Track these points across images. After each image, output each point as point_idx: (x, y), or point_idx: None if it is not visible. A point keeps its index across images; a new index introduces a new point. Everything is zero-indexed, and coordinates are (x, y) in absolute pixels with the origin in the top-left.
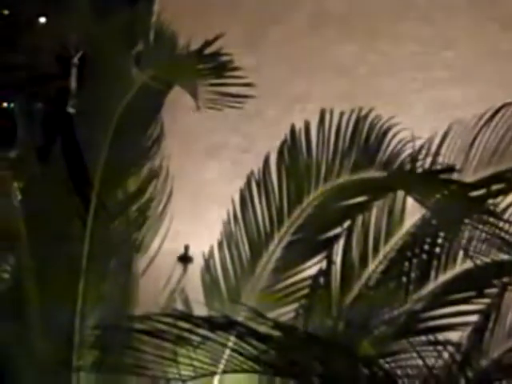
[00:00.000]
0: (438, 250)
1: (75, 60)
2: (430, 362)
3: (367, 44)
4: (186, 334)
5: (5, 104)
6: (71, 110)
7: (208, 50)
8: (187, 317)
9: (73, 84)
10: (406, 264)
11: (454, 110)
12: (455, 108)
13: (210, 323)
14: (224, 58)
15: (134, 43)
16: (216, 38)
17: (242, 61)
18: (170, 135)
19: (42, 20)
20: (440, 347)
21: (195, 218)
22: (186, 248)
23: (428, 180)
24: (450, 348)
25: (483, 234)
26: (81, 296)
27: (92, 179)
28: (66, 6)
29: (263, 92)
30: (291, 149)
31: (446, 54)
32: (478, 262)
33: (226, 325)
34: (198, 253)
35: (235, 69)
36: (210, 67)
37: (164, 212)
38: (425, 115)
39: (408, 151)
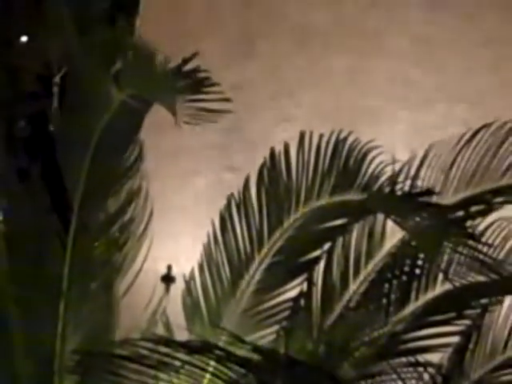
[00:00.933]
0: (417, 271)
1: (57, 79)
2: (411, 383)
3: (352, 61)
4: (166, 359)
5: None
6: (52, 130)
7: (187, 67)
8: (167, 341)
9: (54, 103)
10: (387, 285)
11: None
12: (435, 128)
13: (188, 347)
14: (202, 75)
15: (112, 61)
16: (194, 55)
17: (225, 77)
18: (150, 155)
19: (24, 39)
20: (421, 369)
21: (176, 239)
22: (169, 268)
23: (407, 202)
24: (431, 369)
25: (462, 257)
26: (61, 319)
27: (72, 200)
28: (48, 25)
29: (245, 110)
30: (271, 171)
31: (432, 73)
32: (458, 284)
33: (205, 349)
34: (179, 274)
35: (213, 84)
36: (187, 84)
37: (145, 233)
38: (406, 135)
39: (387, 174)
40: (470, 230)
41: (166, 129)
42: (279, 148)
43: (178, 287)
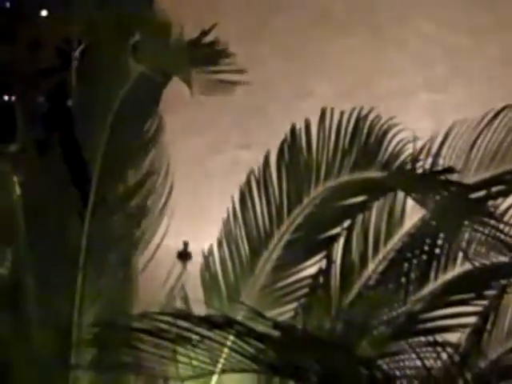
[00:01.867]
0: (437, 251)
1: (76, 53)
2: (429, 363)
3: (370, 42)
4: (184, 333)
5: (5, 97)
6: (70, 104)
7: (204, 40)
8: (186, 315)
9: (73, 78)
10: (406, 265)
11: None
12: (456, 108)
13: (208, 322)
14: (219, 47)
15: (130, 34)
16: (212, 28)
17: (241, 53)
18: (169, 129)
19: (44, 13)
20: (439, 348)
21: (195, 214)
22: (186, 244)
23: (428, 181)
24: (449, 349)
25: (483, 236)
26: (79, 292)
27: (90, 173)
28: None
29: (264, 87)
30: (291, 147)
31: (449, 54)
32: (477, 264)
33: (225, 324)
34: (198, 250)
35: (229, 56)
36: (203, 55)
37: (164, 208)
38: (426, 115)
39: (408, 151)
40: (491, 210)
41: (187, 102)
42: (300, 124)
43: (197, 262)
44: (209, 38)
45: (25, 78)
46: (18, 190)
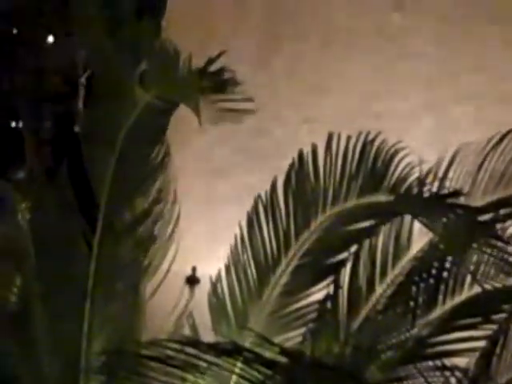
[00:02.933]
0: (445, 274)
1: (82, 80)
2: None
3: (376, 61)
4: (193, 360)
5: (13, 124)
6: (78, 131)
7: (212, 68)
8: (194, 342)
9: (80, 104)
10: (414, 289)
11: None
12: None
13: (216, 349)
14: (227, 75)
15: (138, 62)
16: (218, 55)
17: (251, 78)
18: (177, 156)
19: (50, 39)
20: (447, 373)
21: (202, 240)
22: (194, 269)
23: (435, 204)
24: (458, 373)
25: (491, 259)
26: (87, 318)
27: (98, 200)
28: (75, 26)
29: (271, 110)
30: (298, 173)
31: (452, 71)
32: (486, 286)
33: (233, 350)
34: (206, 275)
35: (237, 84)
36: (211, 84)
37: (172, 234)
38: (433, 137)
39: (415, 175)
40: (498, 233)
41: (194, 128)
42: (306, 149)
43: (204, 289)
44: (216, 66)
45: (32, 105)
46: (26, 217)
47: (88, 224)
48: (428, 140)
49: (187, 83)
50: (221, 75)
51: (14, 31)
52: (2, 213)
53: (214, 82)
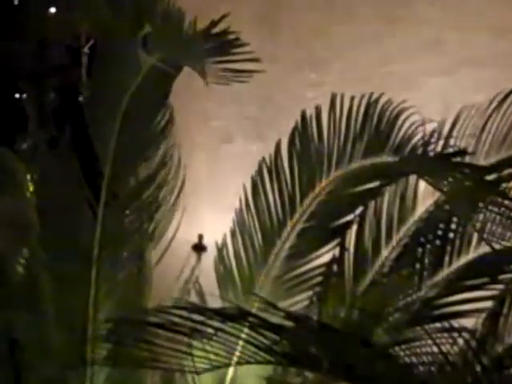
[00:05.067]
0: (451, 235)
1: (85, 49)
2: (445, 348)
3: (380, 28)
4: (199, 327)
5: (16, 95)
6: (81, 100)
7: (216, 29)
8: (200, 309)
9: (83, 73)
10: (420, 250)
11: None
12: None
13: (222, 315)
14: (231, 36)
15: (141, 26)
16: (222, 17)
17: (253, 44)
18: (179, 121)
19: (52, 10)
20: (455, 334)
21: (208, 206)
22: (200, 237)
23: (440, 163)
24: (465, 334)
25: (497, 218)
26: (93, 287)
27: (102, 167)
28: None
29: (275, 78)
30: (302, 135)
31: (457, 36)
32: (493, 244)
33: (239, 316)
34: (211, 241)
35: (242, 45)
36: (216, 45)
37: (177, 200)
38: (436, 99)
39: (420, 135)
40: (505, 191)
41: (198, 94)
42: (310, 112)
43: (210, 256)
44: (220, 28)
45: (34, 76)
46: (31, 188)
47: (92, 192)
48: (432, 101)
49: (192, 45)
50: (225, 37)
51: (15, 2)
52: (7, 184)
53: (219, 44)
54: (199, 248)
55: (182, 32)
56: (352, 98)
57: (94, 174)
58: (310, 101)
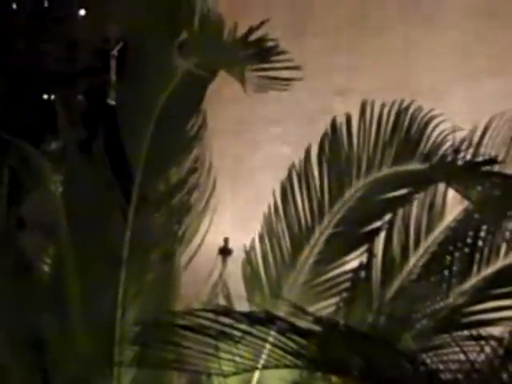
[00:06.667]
0: (480, 243)
1: (114, 52)
2: (472, 356)
3: (408, 32)
4: (227, 329)
5: (45, 96)
6: (111, 102)
7: (253, 36)
8: (228, 312)
9: (112, 76)
10: (448, 258)
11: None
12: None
13: (250, 318)
14: (270, 43)
15: (178, 32)
16: (261, 24)
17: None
18: (212, 126)
19: (82, 12)
20: (482, 342)
21: (236, 210)
22: (226, 240)
23: (470, 172)
24: (492, 342)
25: None
26: (122, 288)
27: (134, 171)
28: None
29: (305, 82)
30: (332, 141)
31: (487, 43)
32: None
33: (267, 320)
34: (239, 246)
35: (281, 53)
36: (256, 52)
37: (207, 204)
38: (466, 107)
39: (449, 143)
40: None
41: (229, 100)
42: (340, 119)
43: (238, 260)
44: (257, 35)
45: (64, 78)
46: (59, 188)
47: (123, 194)
48: (462, 111)
49: (231, 51)
50: (263, 43)
51: (46, 4)
52: (36, 184)
53: (259, 51)
54: (225, 251)
55: (221, 38)
56: (382, 106)
57: (126, 177)
58: (339, 105)
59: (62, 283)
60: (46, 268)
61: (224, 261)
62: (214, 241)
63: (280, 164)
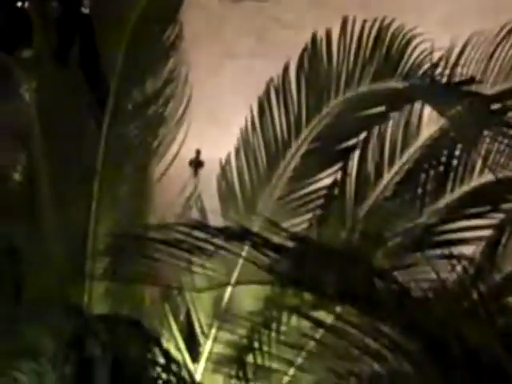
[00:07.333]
0: (454, 162)
1: None
2: (443, 275)
3: None
4: (201, 244)
5: (19, 3)
6: (86, 11)
7: None
8: (202, 226)
9: None
10: (422, 176)
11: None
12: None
13: (224, 233)
14: None
15: None
16: None
17: None
18: (187, 37)
19: None
20: (453, 261)
21: (212, 124)
22: (198, 153)
23: (448, 91)
24: (464, 262)
25: (502, 147)
26: (95, 200)
27: (109, 80)
28: None
29: None
30: (312, 57)
31: None
32: (497, 173)
33: (241, 235)
34: (213, 159)
35: None
36: None
37: (182, 117)
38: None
39: (428, 62)
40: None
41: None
42: (320, 33)
43: (213, 174)
44: None
45: None
46: (33, 96)
47: (97, 103)
48: (442, 28)
49: None
50: None
51: None
52: (7, 90)
53: None
54: (196, 164)
55: None
56: (364, 22)
57: (100, 85)
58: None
59: (33, 192)
60: (17, 176)
61: (196, 173)
62: (189, 154)
63: (257, 79)
